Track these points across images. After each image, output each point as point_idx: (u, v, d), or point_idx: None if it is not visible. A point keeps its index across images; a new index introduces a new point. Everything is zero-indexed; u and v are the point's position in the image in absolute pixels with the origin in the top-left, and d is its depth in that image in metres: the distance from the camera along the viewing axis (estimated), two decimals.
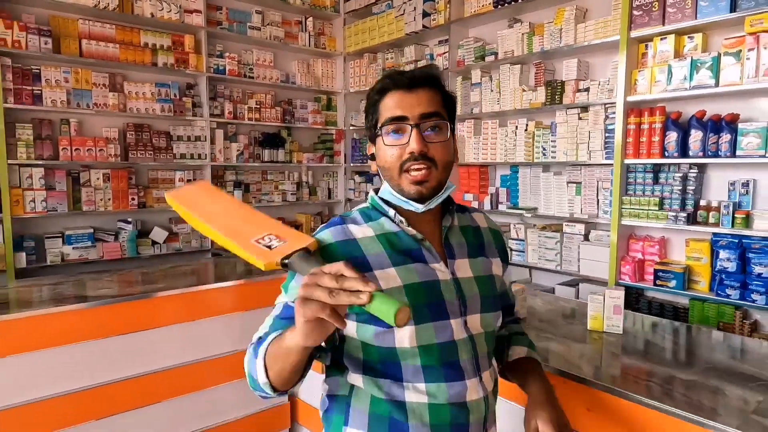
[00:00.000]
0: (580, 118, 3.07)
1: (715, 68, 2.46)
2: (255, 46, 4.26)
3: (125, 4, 3.51)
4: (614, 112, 2.85)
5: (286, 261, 0.80)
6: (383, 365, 0.90)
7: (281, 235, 0.86)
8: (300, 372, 0.83)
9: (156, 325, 2.09)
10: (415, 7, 3.95)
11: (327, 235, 0.93)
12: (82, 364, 1.90)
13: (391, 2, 4.23)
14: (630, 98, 2.77)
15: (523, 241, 3.40)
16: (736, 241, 2.49)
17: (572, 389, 1.33)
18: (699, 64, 2.52)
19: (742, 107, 2.52)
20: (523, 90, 3.35)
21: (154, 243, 3.72)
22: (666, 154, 2.66)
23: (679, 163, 2.68)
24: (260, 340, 0.89)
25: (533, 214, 3.39)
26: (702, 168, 2.69)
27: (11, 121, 3.13)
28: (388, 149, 0.93)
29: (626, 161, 2.82)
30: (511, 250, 3.47)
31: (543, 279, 3.37)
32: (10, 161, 3.10)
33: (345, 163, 4.81)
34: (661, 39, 2.68)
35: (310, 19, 4.52)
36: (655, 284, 2.72)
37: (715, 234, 2.58)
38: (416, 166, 0.91)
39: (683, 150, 2.61)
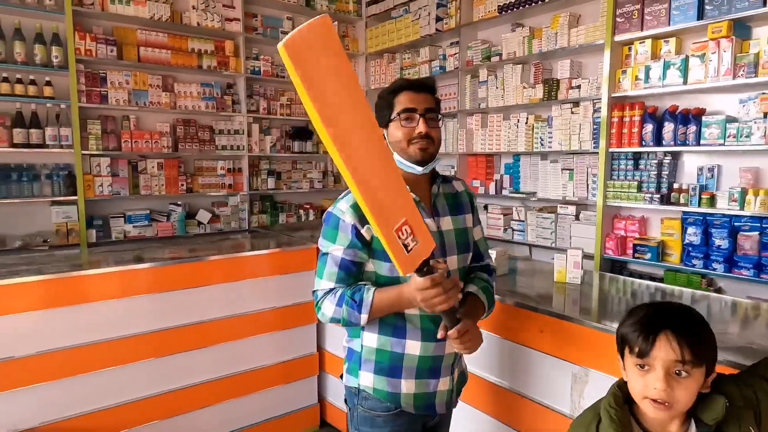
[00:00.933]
0: (572, 112, 3.47)
1: (684, 69, 2.85)
2: None
3: (176, 15, 4.04)
4: (600, 107, 3.25)
5: (410, 246, 1.07)
6: None
7: (413, 226, 1.08)
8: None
9: (204, 284, 2.52)
10: (429, 13, 4.38)
11: (351, 199, 1.32)
12: (147, 313, 2.35)
13: (408, 8, 4.67)
14: (614, 94, 3.16)
15: (524, 221, 3.83)
16: (701, 218, 2.88)
17: (528, 317, 1.78)
18: (671, 65, 2.90)
19: (706, 102, 2.91)
20: (524, 87, 3.76)
21: (199, 223, 4.27)
22: (644, 143, 3.05)
23: (655, 151, 3.06)
24: (332, 290, 1.34)
25: (532, 198, 3.81)
26: (676, 155, 3.07)
27: (84, 118, 3.69)
28: (403, 129, 1.35)
29: (610, 150, 3.21)
30: (513, 230, 3.90)
31: (541, 255, 3.78)
32: (83, 152, 3.66)
33: None
34: (641, 43, 3.06)
35: (335, 23, 4.99)
36: (633, 257, 3.12)
37: (684, 212, 2.97)
38: (421, 142, 1.35)
39: (658, 139, 3.00)
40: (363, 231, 1.31)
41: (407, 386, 1.38)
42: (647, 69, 3.00)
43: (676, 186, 3.02)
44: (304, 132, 4.88)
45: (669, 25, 2.91)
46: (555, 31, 3.52)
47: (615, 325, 1.51)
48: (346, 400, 1.51)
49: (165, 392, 2.44)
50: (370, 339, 1.40)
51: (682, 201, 2.95)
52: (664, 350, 1.01)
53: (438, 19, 4.32)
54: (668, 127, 2.94)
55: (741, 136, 2.65)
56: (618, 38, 3.11)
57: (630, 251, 3.17)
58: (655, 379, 1.02)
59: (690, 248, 2.90)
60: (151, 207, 4.10)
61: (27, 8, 3.40)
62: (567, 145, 3.49)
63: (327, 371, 3.06)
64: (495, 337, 1.88)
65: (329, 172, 5.10)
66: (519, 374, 1.83)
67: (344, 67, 1.02)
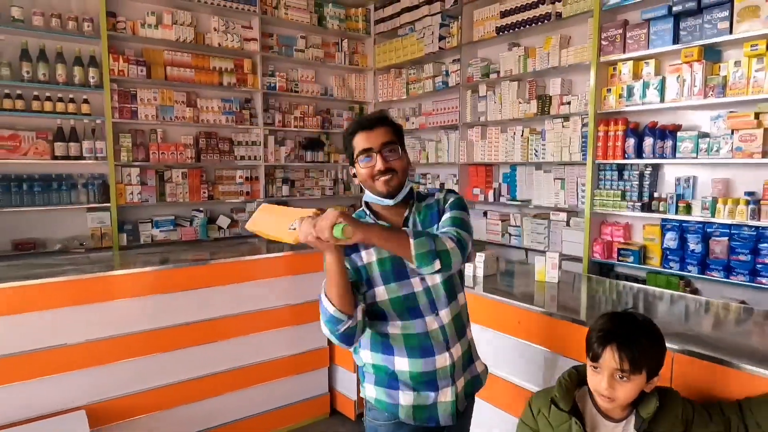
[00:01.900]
0: (563, 126, 3.76)
1: (661, 88, 3.12)
2: (299, 65, 5.10)
3: (199, 37, 4.40)
4: (588, 122, 3.53)
5: (294, 227, 1.28)
6: (374, 313, 1.44)
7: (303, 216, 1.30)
8: (347, 289, 1.30)
9: (226, 283, 2.83)
10: (433, 32, 4.70)
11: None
12: (175, 309, 2.66)
13: (413, 27, 4.98)
14: (600, 111, 3.44)
15: (520, 227, 4.11)
16: (678, 225, 3.14)
17: (509, 310, 2.08)
18: (650, 85, 3.18)
19: (682, 119, 3.18)
20: (520, 102, 4.06)
21: (219, 228, 4.61)
22: (626, 156, 3.33)
23: (637, 163, 3.33)
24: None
25: (528, 206, 4.09)
26: (656, 167, 3.34)
27: (116, 132, 4.06)
28: (364, 169, 1.42)
29: (597, 161, 3.49)
30: (510, 235, 4.19)
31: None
32: (115, 163, 4.02)
33: None
34: (624, 64, 3.34)
35: (345, 41, 5.34)
36: (618, 260, 3.39)
37: (663, 219, 3.24)
38: (383, 177, 1.40)
39: (639, 152, 3.27)
40: (354, 256, 1.43)
41: (405, 398, 1.43)
42: (629, 88, 3.28)
43: (656, 195, 3.28)
44: (315, 143, 5.21)
45: (648, 48, 3.19)
46: (547, 51, 3.81)
47: (582, 318, 1.81)
48: None
49: (191, 379, 2.75)
50: (366, 355, 1.49)
51: (661, 209, 3.22)
52: (609, 359, 1.31)
53: (441, 38, 4.63)
54: (648, 141, 3.21)
55: (712, 150, 2.92)
56: (603, 59, 3.40)
57: (615, 255, 3.44)
58: (601, 380, 1.33)
59: (668, 252, 3.17)
60: (175, 213, 4.45)
61: (68, 34, 3.77)
62: (559, 157, 3.77)
63: (337, 363, 3.34)
64: (478, 326, 2.18)
65: (339, 180, 5.43)
66: (500, 359, 2.13)
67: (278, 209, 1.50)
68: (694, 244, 3.04)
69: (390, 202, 1.44)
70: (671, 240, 3.16)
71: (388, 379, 1.45)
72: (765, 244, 2.77)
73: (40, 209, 3.78)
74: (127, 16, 4.09)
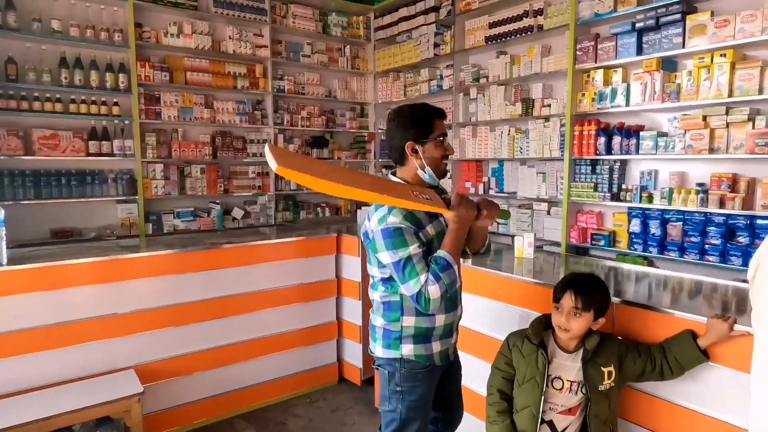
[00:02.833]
0: (544, 126, 4.22)
1: (627, 93, 3.59)
2: (306, 70, 5.54)
3: (215, 44, 4.83)
4: (565, 122, 3.99)
5: (426, 197, 1.62)
6: None
7: (418, 192, 1.62)
8: None
9: (246, 264, 3.29)
10: (428, 39, 5.14)
11: (394, 211, 1.68)
12: (201, 285, 3.12)
13: (410, 34, 5.42)
14: (576, 113, 3.91)
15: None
16: (642, 212, 3.61)
17: (493, 279, 2.54)
18: (617, 91, 3.64)
19: (645, 120, 3.65)
20: (506, 104, 4.51)
21: (234, 219, 5.05)
22: (598, 152, 3.79)
23: (607, 159, 3.80)
24: (425, 282, 1.61)
25: (514, 197, 4.56)
26: (624, 162, 3.80)
27: (143, 132, 4.49)
28: (438, 149, 1.77)
29: (573, 157, 3.95)
30: (498, 223, 4.66)
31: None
32: (142, 159, 4.45)
33: (374, 159, 6.07)
34: (596, 71, 3.80)
35: (348, 47, 5.78)
36: (591, 244, 3.86)
37: (629, 208, 3.70)
38: (446, 160, 1.81)
39: (609, 149, 3.74)
40: (421, 234, 1.69)
41: (436, 347, 1.83)
42: (601, 93, 3.75)
43: (624, 186, 3.75)
44: (321, 141, 5.65)
45: (616, 58, 3.65)
46: (531, 59, 4.27)
47: (551, 282, 2.27)
48: (378, 366, 1.88)
49: (219, 346, 3.22)
50: (409, 320, 1.79)
51: (628, 198, 3.68)
52: (567, 300, 1.79)
53: (436, 45, 5.08)
54: (616, 140, 3.68)
55: (669, 148, 3.39)
56: (578, 67, 3.86)
57: (589, 240, 3.90)
58: (560, 316, 1.80)
59: (633, 236, 3.64)
60: (195, 205, 4.89)
61: (100, 43, 4.20)
62: (540, 153, 4.23)
63: (344, 336, 3.80)
64: (472, 296, 2.64)
65: None
66: (485, 319, 2.59)
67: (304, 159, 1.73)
68: (654, 229, 3.51)
69: (437, 182, 1.83)
70: (636, 225, 3.62)
71: (427, 335, 1.80)
72: (712, 228, 3.24)
73: (75, 201, 4.21)
74: (152, 26, 4.52)
